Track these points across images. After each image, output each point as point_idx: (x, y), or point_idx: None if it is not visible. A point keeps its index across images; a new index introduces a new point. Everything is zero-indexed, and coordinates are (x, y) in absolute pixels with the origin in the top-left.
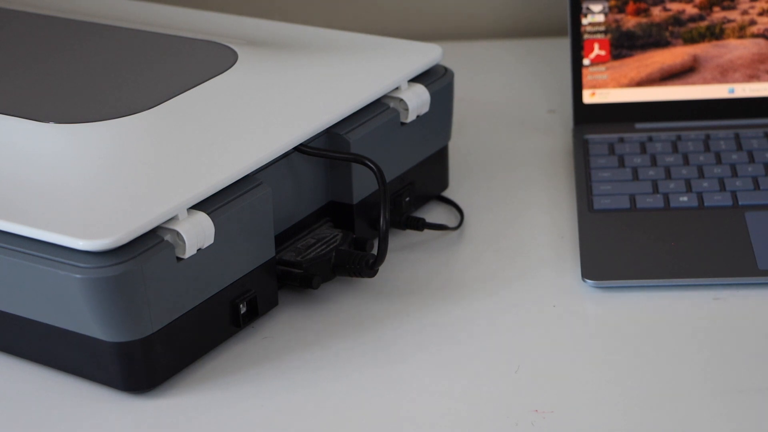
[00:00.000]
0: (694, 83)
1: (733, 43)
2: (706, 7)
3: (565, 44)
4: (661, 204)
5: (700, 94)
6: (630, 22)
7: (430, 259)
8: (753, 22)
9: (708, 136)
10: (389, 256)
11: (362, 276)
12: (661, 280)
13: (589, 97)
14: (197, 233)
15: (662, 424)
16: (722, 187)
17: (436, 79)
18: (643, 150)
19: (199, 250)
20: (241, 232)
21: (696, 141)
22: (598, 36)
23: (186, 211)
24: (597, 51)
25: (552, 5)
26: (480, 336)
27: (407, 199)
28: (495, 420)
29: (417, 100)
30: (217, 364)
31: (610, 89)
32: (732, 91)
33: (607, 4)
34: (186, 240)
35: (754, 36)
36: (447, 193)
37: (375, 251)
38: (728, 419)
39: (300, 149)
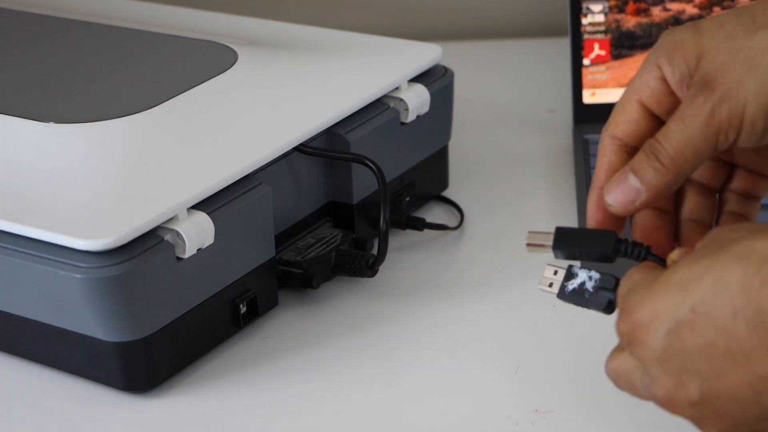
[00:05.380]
0: None
1: None
2: (706, 7)
3: (565, 44)
4: None
5: None
6: (630, 22)
7: (430, 259)
8: None
9: None
10: (389, 256)
11: (362, 276)
12: None
13: (589, 97)
14: (197, 233)
15: (662, 424)
16: None
17: (436, 79)
18: None
19: (199, 249)
20: (241, 232)
21: None
22: (598, 36)
23: (186, 211)
24: (597, 51)
25: (552, 5)
26: (480, 336)
27: (407, 199)
28: (495, 420)
29: (417, 100)
30: (217, 364)
31: (610, 89)
32: None
33: (607, 4)
34: (186, 240)
35: None
36: (447, 193)
37: (375, 251)
38: None
39: (300, 149)
